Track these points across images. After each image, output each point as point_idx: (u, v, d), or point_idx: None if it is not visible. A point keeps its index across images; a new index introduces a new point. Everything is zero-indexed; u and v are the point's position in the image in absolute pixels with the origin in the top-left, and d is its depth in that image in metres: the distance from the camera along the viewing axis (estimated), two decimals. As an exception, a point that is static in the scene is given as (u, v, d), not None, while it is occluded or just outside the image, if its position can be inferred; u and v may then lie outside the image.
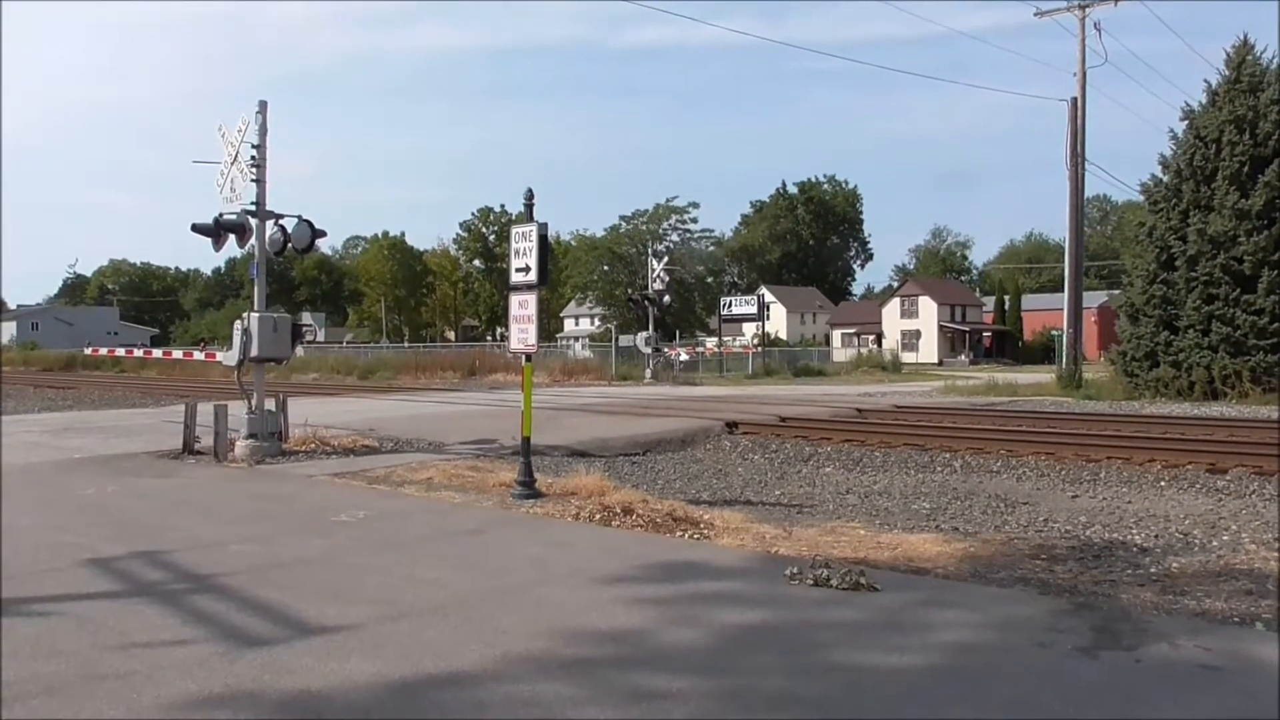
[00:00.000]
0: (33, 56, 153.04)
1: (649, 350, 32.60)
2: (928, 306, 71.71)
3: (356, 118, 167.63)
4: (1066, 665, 3.68)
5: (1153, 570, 5.73)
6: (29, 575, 5.10)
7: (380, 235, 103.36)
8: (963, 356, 67.61)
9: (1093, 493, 9.27)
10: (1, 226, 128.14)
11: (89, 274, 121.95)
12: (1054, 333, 41.44)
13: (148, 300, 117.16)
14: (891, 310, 74.36)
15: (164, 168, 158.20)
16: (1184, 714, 3.24)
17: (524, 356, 8.27)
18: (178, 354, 23.79)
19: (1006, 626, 4.21)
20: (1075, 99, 24.97)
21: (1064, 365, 26.16)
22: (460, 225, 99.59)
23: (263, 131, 10.48)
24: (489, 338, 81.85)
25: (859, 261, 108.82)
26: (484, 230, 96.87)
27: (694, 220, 66.02)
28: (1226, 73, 22.76)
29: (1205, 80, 23.20)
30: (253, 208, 10.53)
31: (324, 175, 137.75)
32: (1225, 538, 6.96)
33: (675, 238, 64.63)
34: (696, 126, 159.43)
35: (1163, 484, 9.53)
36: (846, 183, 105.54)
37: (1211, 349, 21.40)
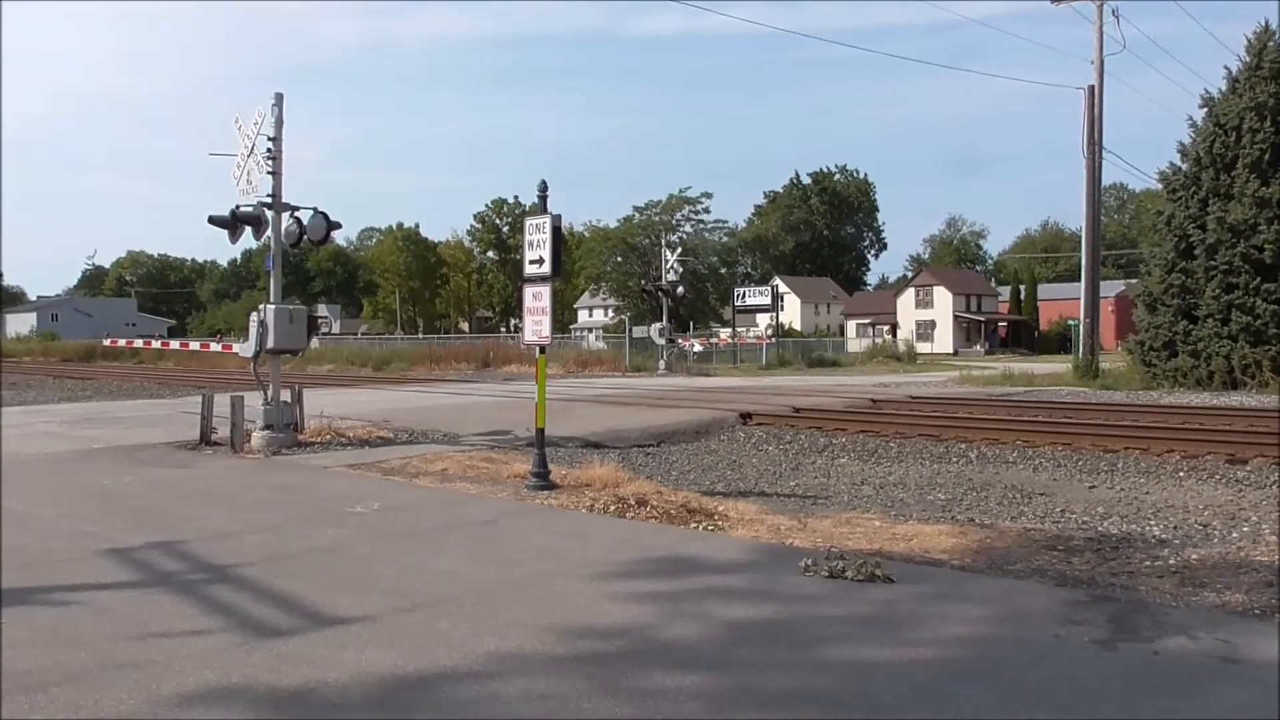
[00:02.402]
0: (44, 47, 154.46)
1: (663, 341, 32.59)
2: (943, 296, 71.26)
3: (367, 106, 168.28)
4: (1083, 657, 3.65)
5: (1171, 562, 5.67)
6: (48, 564, 5.16)
7: (395, 227, 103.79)
8: (978, 346, 67.23)
9: (1110, 483, 9.20)
10: (1, 214, 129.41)
11: (107, 265, 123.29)
12: (1071, 322, 41.05)
13: (165, 291, 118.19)
14: (906, 300, 73.94)
15: (178, 158, 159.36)
16: (1202, 707, 3.21)
17: (538, 348, 8.27)
18: (195, 345, 23.93)
19: (1022, 618, 4.18)
20: (1092, 87, 24.68)
21: (1081, 355, 25.95)
22: (474, 217, 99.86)
23: (279, 124, 10.51)
24: (503, 329, 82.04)
25: (873, 251, 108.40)
26: (498, 221, 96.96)
27: (707, 211, 66.03)
28: (1247, 59, 22.46)
29: (1225, 67, 22.99)
30: (269, 200, 10.56)
31: (335, 164, 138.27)
32: (1245, 529, 6.89)
33: (688, 228, 64.64)
34: (709, 116, 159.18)
35: (1181, 474, 9.44)
36: (859, 172, 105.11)
37: (1231, 338, 21.17)
